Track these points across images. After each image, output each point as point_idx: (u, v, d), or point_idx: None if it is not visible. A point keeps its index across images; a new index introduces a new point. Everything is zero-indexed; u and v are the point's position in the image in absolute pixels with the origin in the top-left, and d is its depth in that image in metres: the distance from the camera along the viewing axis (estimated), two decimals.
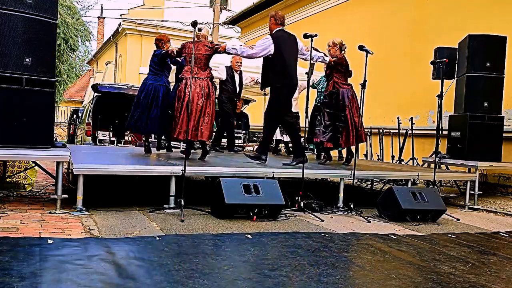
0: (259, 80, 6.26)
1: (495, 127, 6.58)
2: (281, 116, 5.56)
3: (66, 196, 4.47)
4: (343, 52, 6.24)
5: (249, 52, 5.42)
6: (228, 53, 5.74)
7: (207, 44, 5.62)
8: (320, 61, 6.09)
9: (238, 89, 7.83)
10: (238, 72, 7.81)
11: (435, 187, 5.88)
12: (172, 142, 7.19)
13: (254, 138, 10.85)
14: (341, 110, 6.06)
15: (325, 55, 6.06)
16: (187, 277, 2.67)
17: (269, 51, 5.38)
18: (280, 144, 8.80)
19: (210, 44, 5.66)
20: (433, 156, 6.56)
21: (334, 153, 7.21)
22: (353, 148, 6.13)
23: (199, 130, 5.47)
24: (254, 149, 6.48)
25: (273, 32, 5.51)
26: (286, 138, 7.92)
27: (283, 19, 5.62)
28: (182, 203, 4.41)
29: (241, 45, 5.90)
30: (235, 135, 8.57)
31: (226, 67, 7.72)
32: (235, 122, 8.36)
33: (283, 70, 5.44)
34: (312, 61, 5.57)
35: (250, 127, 11.08)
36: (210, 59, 5.68)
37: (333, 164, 6.38)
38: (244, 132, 10.11)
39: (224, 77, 7.65)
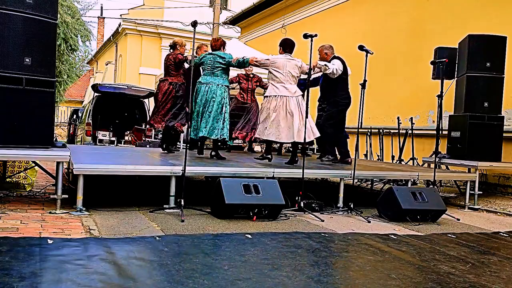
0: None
1: (495, 127, 6.58)
2: None
3: (66, 196, 4.47)
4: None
5: None
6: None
7: None
8: None
9: None
10: None
11: (435, 187, 5.88)
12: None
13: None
14: None
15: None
16: (187, 277, 2.67)
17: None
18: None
19: None
20: (433, 156, 6.56)
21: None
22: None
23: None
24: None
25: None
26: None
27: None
28: (182, 203, 4.41)
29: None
30: None
31: None
32: None
33: None
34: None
35: None
36: None
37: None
38: None
39: None
